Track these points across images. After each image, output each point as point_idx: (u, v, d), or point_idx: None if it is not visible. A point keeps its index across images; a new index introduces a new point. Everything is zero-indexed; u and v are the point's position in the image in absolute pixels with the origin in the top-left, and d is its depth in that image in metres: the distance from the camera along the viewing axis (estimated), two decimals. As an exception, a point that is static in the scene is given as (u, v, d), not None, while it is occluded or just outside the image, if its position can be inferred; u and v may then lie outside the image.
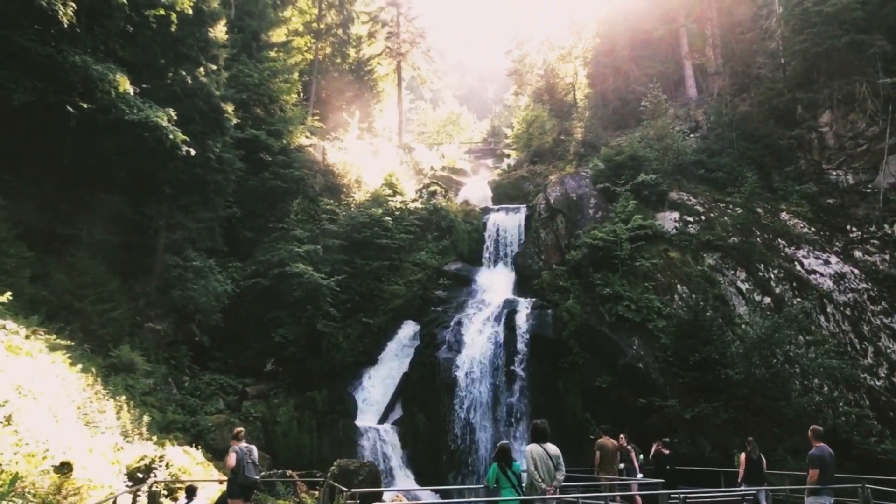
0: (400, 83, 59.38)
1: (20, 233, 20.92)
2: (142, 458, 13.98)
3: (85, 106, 21.08)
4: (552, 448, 9.86)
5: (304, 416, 24.94)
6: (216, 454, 19.90)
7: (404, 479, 23.50)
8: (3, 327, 14.28)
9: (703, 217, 29.12)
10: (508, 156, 56.73)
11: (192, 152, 23.69)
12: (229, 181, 28.22)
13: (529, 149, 48.76)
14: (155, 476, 13.53)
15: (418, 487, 22.80)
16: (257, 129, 30.97)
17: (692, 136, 35.21)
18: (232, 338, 27.08)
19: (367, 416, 26.50)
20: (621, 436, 17.30)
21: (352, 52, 49.97)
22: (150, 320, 24.64)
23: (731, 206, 29.79)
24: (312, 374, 26.45)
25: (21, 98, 20.26)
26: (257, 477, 12.26)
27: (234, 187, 28.86)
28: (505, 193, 40.71)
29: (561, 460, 9.80)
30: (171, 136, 22.95)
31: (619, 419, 24.09)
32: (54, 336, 15.69)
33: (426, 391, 26.25)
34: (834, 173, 30.97)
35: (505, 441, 10.65)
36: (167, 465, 14.13)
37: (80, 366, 15.96)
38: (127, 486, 12.42)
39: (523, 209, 34.09)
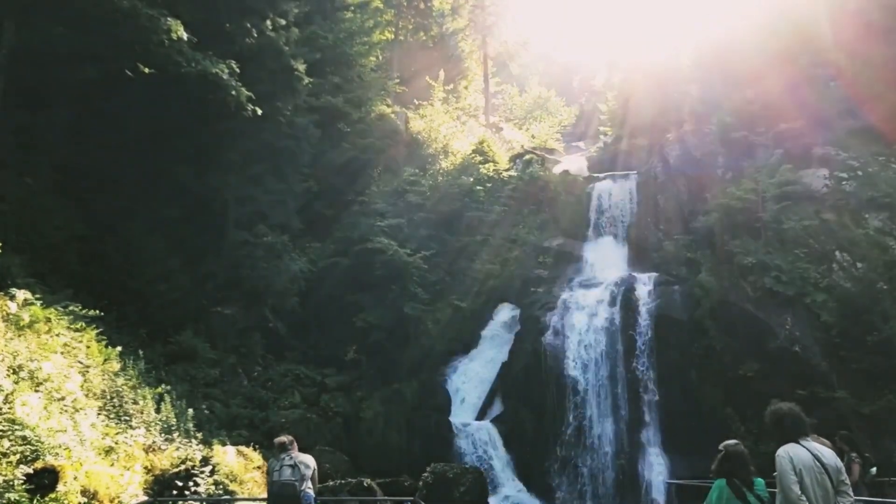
0: (486, 63, 55.79)
1: (70, 206, 18.58)
2: (181, 462, 10.86)
3: (144, 70, 18.45)
4: (827, 454, 5.87)
5: (391, 412, 21.62)
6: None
7: (512, 487, 19.79)
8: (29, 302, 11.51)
9: (859, 173, 24.05)
10: (605, 133, 52.32)
11: (259, 112, 20.87)
12: (303, 150, 25.38)
13: (627, 124, 44.35)
14: (195, 486, 10.39)
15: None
16: (333, 97, 28.01)
17: (832, 84, 29.93)
18: (309, 324, 24.16)
19: (463, 411, 22.96)
20: (836, 437, 12.51)
21: (434, 27, 46.78)
22: (218, 304, 21.93)
23: (893, 160, 24.60)
24: (399, 363, 23.15)
25: (90, 72, 17.97)
26: (295, 481, 8.88)
27: (309, 159, 26.05)
28: (604, 169, 36.68)
29: (844, 475, 5.77)
30: (235, 93, 20.22)
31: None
32: (85, 310, 12.81)
33: (530, 383, 22.46)
34: None
35: (735, 441, 6.65)
36: (213, 469, 10.96)
37: (118, 348, 13.04)
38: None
39: (633, 176, 29.75)
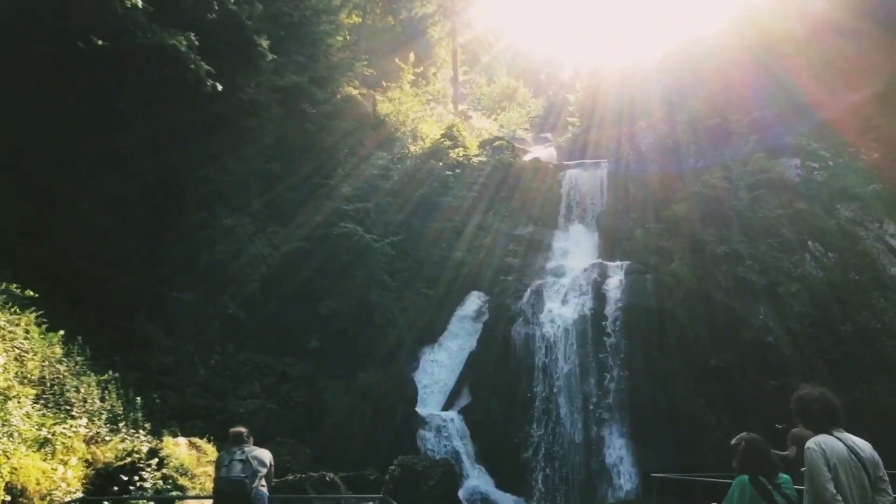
0: (455, 51, 54.97)
1: (13, 184, 17.39)
2: (126, 454, 9.98)
3: (98, 42, 17.28)
4: (864, 445, 5.26)
5: (356, 402, 20.80)
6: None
7: (479, 478, 19.18)
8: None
9: (830, 163, 23.92)
10: (573, 125, 51.95)
11: (220, 88, 19.88)
12: (266, 130, 24.31)
13: (596, 115, 43.97)
14: (141, 480, 9.53)
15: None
16: (298, 76, 26.93)
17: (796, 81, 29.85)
18: (271, 311, 23.13)
19: (430, 402, 22.31)
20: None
21: (403, 11, 45.79)
22: (175, 289, 20.86)
23: (863, 150, 24.52)
24: (364, 352, 22.32)
25: (39, 47, 16.74)
26: (245, 477, 7.88)
27: (272, 140, 25.01)
28: (573, 159, 36.24)
29: (882, 470, 5.15)
30: (193, 67, 19.20)
31: (743, 406, 19.44)
32: (25, 291, 11.82)
33: (499, 373, 21.93)
34: None
35: (754, 435, 5.96)
36: (162, 462, 10.10)
37: (61, 332, 12.04)
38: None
39: (604, 164, 29.38)
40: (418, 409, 21.02)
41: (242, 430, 8.56)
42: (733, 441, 5.75)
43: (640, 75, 42.68)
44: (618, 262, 23.78)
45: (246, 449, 8.21)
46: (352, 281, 22.94)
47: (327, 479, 12.31)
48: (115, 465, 9.75)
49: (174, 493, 9.68)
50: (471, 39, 56.27)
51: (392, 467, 13.35)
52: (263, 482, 8.18)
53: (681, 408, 20.13)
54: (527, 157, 34.70)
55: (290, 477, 12.20)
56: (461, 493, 16.22)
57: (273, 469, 8.54)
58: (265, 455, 8.39)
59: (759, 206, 21.77)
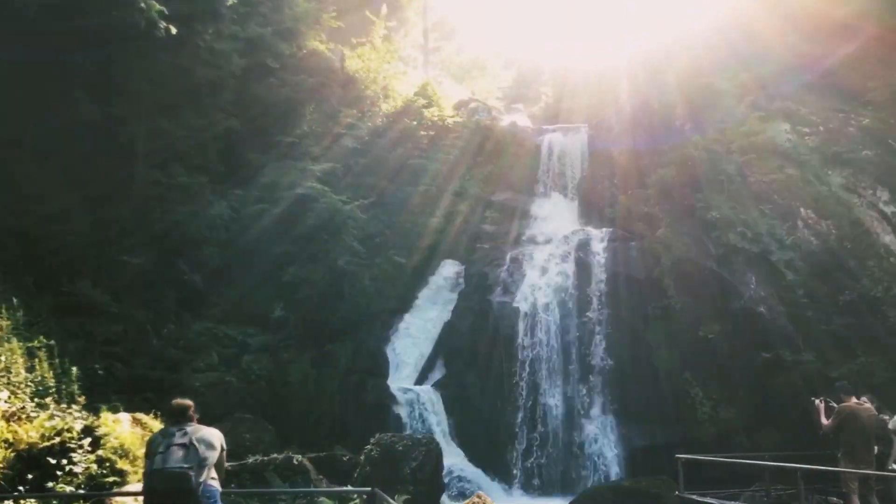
0: (426, 14, 53.01)
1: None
2: (55, 433, 8.44)
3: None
4: None
5: (323, 376, 19.39)
6: (200, 422, 14.51)
7: (454, 456, 17.95)
8: None
9: (821, 128, 22.97)
10: (547, 94, 50.60)
11: (174, 31, 18.11)
12: (226, 83, 22.62)
13: (570, 83, 42.58)
14: (70, 463, 8.02)
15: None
16: (261, 28, 25.06)
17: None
18: (231, 278, 21.46)
19: (402, 375, 20.98)
20: (864, 399, 10.95)
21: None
22: (124, 252, 19.14)
23: (853, 116, 23.63)
24: (332, 323, 20.81)
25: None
26: (188, 468, 5.92)
27: (232, 95, 23.25)
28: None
29: None
30: (144, 6, 17.40)
31: (732, 380, 18.58)
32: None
33: (475, 344, 20.70)
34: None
35: None
36: (98, 442, 8.59)
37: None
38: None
39: (585, 128, 28.09)
40: (390, 384, 19.69)
41: (188, 403, 6.62)
42: None
43: (620, 42, 41.38)
44: (601, 229, 22.62)
45: (189, 429, 6.26)
46: (319, 246, 21.37)
47: (295, 461, 10.75)
48: (39, 447, 8.22)
49: (92, 494, 8.03)
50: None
51: (368, 447, 11.97)
52: (214, 473, 6.35)
53: (667, 381, 19.14)
54: (504, 122, 33.29)
55: (251, 460, 10.59)
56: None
57: (225, 453, 6.72)
58: (215, 436, 6.46)
59: (750, 170, 20.72)
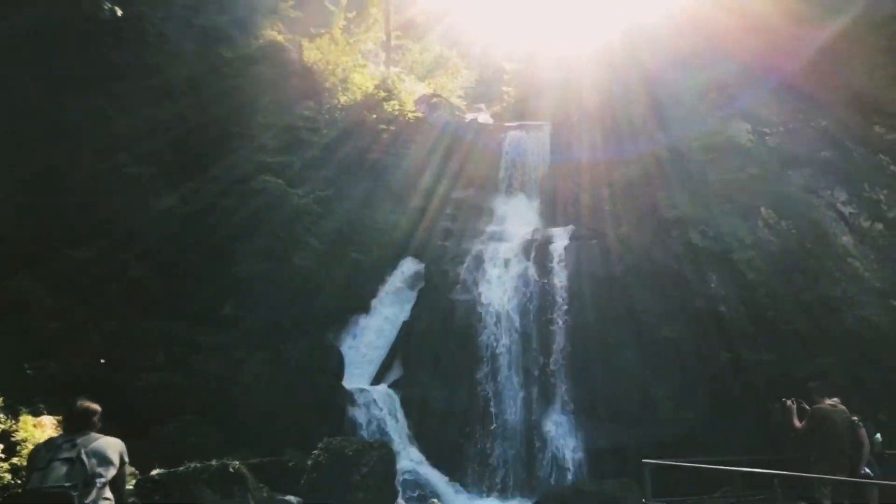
0: (388, 16, 52.42)
1: None
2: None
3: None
4: None
5: (275, 376, 18.59)
6: (142, 425, 13.78)
7: (411, 458, 17.44)
8: None
9: (780, 129, 23.04)
10: (509, 94, 50.42)
11: (120, 13, 17.30)
12: (178, 71, 21.77)
13: (534, 84, 42.44)
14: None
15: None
16: (216, 16, 24.23)
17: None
18: (181, 274, 20.58)
19: (358, 376, 20.37)
20: (836, 400, 10.72)
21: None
22: (67, 245, 18.19)
23: (812, 118, 23.78)
24: (286, 321, 20.08)
25: None
26: (70, 487, 4.96)
27: (185, 85, 22.41)
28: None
29: None
30: (87, -17, 16.58)
31: (693, 380, 18.41)
32: None
33: (434, 343, 20.20)
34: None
35: None
36: (13, 448, 7.87)
37: None
38: None
39: (547, 126, 27.85)
40: (346, 384, 19.09)
41: (93, 407, 5.70)
42: None
43: (583, 39, 41.29)
44: (563, 227, 22.35)
45: (80, 440, 5.32)
46: (273, 242, 20.64)
47: (231, 468, 9.98)
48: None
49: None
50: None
51: (316, 451, 11.34)
52: (108, 493, 5.35)
53: (628, 381, 18.90)
54: (466, 119, 32.89)
55: (182, 468, 9.78)
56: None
57: (125, 471, 5.72)
58: (112, 448, 5.54)
59: (712, 169, 20.63)
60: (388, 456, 12.44)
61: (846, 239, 19.79)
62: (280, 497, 10.44)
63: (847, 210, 20.55)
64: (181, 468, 9.68)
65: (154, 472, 9.49)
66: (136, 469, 10.68)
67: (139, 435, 13.62)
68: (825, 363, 16.38)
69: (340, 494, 9.72)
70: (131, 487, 9.28)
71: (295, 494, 10.57)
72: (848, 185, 20.88)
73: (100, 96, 19.14)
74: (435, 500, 11.09)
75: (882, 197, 20.68)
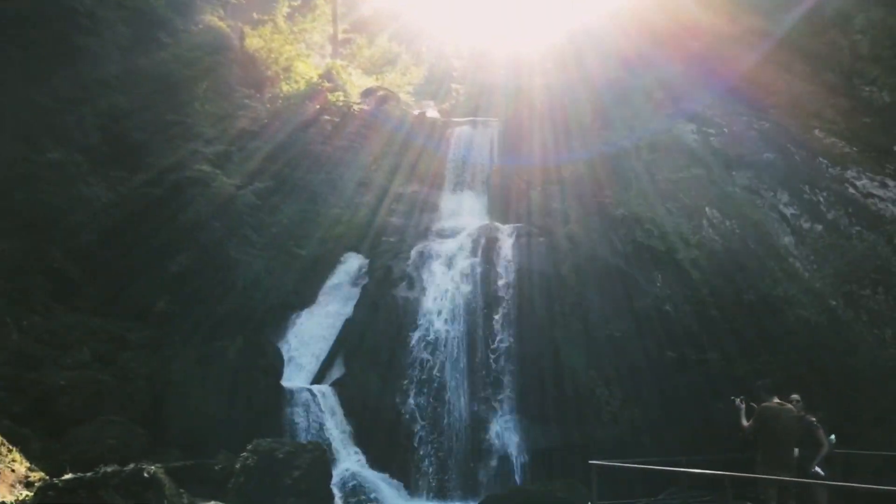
0: (335, 9, 51.38)
1: None
2: None
3: None
4: None
5: (210, 374, 17.69)
6: (60, 426, 12.88)
7: (351, 459, 16.86)
8: None
9: (725, 130, 23.27)
10: (457, 91, 50.13)
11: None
12: (109, 54, 20.71)
13: (482, 81, 42.23)
14: None
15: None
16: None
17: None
18: (111, 267, 19.56)
19: (298, 374, 19.70)
20: (794, 397, 10.66)
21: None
22: (-19, 236, 17.03)
23: (755, 120, 24.12)
24: (222, 317, 19.29)
25: None
26: None
27: (118, 69, 21.35)
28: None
29: None
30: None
31: (638, 379, 18.28)
32: None
33: (378, 342, 19.64)
34: (867, 89, 25.68)
35: None
36: None
37: None
38: None
39: (495, 123, 27.60)
40: (284, 383, 18.37)
41: None
42: None
43: (533, 41, 41.21)
44: (510, 224, 22.07)
45: None
46: (209, 234, 19.83)
47: (146, 474, 9.18)
48: None
49: None
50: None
51: (244, 454, 10.63)
52: None
53: (572, 380, 18.71)
54: (413, 113, 32.37)
55: (90, 473, 8.94)
56: (333, 479, 13.85)
57: None
58: None
59: (658, 169, 20.64)
60: (322, 458, 11.82)
61: (788, 240, 20.00)
62: (202, 503, 9.76)
63: (789, 211, 20.80)
64: (89, 473, 8.89)
65: (61, 478, 8.66)
66: (46, 473, 9.87)
67: (55, 436, 12.75)
68: (765, 362, 16.48)
69: (270, 499, 9.12)
70: (31, 494, 8.51)
71: (221, 500, 9.86)
72: (789, 186, 21.14)
73: (22, 78, 17.96)
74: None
75: (821, 199, 21.02)
